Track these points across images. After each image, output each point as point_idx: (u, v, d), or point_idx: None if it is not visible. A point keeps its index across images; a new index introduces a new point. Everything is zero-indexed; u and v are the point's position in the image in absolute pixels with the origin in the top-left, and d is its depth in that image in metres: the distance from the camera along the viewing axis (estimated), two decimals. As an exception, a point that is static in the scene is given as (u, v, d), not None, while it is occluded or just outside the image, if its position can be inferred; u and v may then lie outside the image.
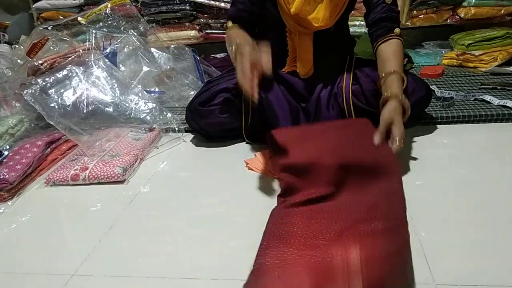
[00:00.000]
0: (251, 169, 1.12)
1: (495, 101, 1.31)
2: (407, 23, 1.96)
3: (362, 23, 1.99)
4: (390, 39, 1.13)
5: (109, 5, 1.75)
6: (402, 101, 1.00)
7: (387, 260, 0.66)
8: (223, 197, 1.01)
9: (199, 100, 1.27)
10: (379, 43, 1.14)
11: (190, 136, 1.38)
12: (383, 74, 1.08)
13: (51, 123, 1.25)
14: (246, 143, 1.27)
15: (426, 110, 1.30)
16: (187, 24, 2.17)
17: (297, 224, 0.80)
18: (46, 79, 1.38)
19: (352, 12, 2.01)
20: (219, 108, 1.25)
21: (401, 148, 0.93)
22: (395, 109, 0.98)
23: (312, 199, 0.87)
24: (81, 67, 1.45)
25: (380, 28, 1.15)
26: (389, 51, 1.12)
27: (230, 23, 1.23)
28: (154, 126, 1.39)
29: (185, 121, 1.37)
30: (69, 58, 1.49)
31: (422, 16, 1.96)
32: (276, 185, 1.03)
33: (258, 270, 0.68)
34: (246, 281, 0.67)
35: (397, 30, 1.14)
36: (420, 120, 1.27)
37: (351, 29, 1.97)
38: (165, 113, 1.44)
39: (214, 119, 1.25)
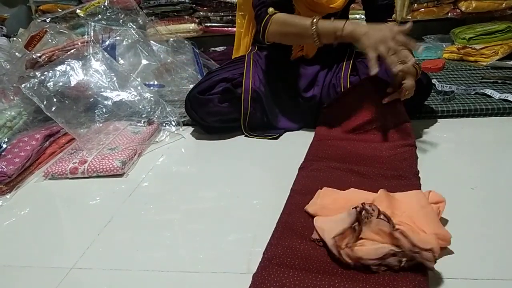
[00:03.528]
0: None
1: (496, 95, 1.30)
2: (408, 17, 1.95)
3: (363, 16, 1.98)
4: (388, 22, 1.20)
5: (108, -2, 1.73)
6: (415, 64, 1.08)
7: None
8: (222, 190, 1.00)
9: (199, 89, 1.27)
10: None
11: (189, 129, 1.38)
12: None
13: (49, 115, 1.24)
14: (245, 136, 1.27)
15: (426, 103, 1.30)
16: (186, 17, 2.15)
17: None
18: (45, 72, 1.37)
19: (353, 5, 2.01)
20: (218, 97, 1.25)
21: (407, 95, 1.07)
22: (408, 68, 1.06)
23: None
24: (79, 60, 1.44)
25: (380, 13, 1.22)
26: None
27: (271, 9, 1.20)
28: (153, 119, 1.39)
29: (184, 115, 1.36)
30: (68, 51, 1.48)
31: (423, 9, 1.94)
32: (275, 179, 1.03)
33: (269, 260, 0.69)
34: (256, 271, 0.67)
35: (394, 16, 1.23)
36: (421, 114, 1.26)
37: (352, 22, 1.96)
38: (164, 106, 1.43)
39: (213, 108, 1.25)
